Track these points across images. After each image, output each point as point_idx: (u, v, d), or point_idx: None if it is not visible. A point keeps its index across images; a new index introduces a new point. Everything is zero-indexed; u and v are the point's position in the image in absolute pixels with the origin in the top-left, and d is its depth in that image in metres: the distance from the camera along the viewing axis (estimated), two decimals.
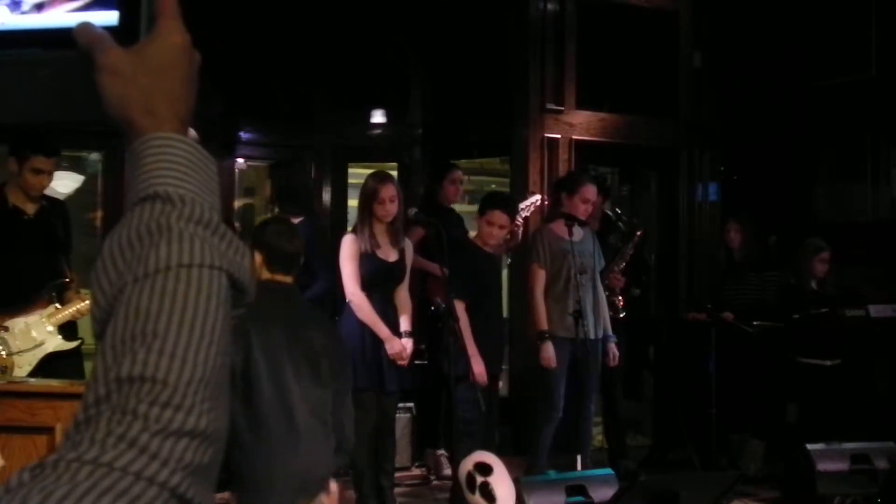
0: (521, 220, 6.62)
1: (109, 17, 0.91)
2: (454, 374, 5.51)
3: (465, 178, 7.93)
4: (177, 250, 0.80)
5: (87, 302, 4.90)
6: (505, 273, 8.29)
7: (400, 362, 5.53)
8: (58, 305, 5.05)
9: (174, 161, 0.85)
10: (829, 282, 7.09)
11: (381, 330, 5.48)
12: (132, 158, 0.86)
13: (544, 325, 6.12)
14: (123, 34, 0.89)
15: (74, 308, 5.05)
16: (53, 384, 4.02)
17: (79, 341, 5.14)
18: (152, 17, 0.89)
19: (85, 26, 0.88)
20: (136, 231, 0.81)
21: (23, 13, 0.94)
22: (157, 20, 0.89)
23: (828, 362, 6.93)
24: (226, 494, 3.97)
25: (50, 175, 5.24)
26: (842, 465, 5.85)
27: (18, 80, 0.93)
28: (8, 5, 0.95)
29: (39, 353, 4.95)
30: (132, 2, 0.90)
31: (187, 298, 0.78)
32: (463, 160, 8.01)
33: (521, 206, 6.70)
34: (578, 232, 6.23)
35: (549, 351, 6.06)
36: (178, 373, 0.75)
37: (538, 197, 7.06)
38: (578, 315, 5.99)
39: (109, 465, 0.71)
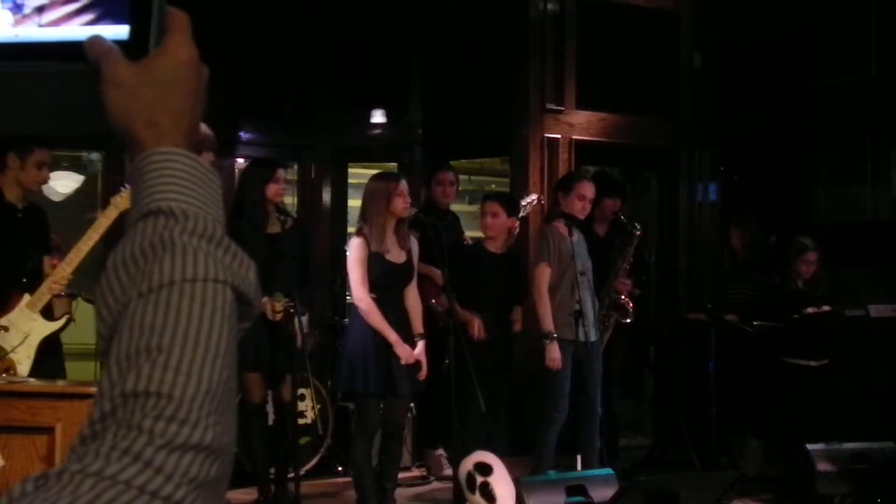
0: (517, 220, 6.63)
1: (120, 31, 0.91)
2: (455, 373, 5.52)
3: (466, 178, 7.94)
4: (181, 265, 0.80)
5: (55, 277, 4.93)
6: None
7: (410, 363, 5.52)
8: (28, 295, 5.03)
9: (176, 176, 0.85)
10: (819, 282, 7.03)
11: (390, 335, 5.46)
12: (134, 174, 0.87)
13: (551, 326, 6.06)
14: (134, 48, 0.89)
15: (46, 287, 5.01)
16: (53, 384, 4.01)
17: (65, 318, 5.11)
18: (163, 31, 0.90)
19: (95, 39, 0.89)
20: (139, 247, 0.81)
21: (24, 16, 0.95)
22: (166, 34, 0.90)
23: (813, 363, 6.90)
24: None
25: (49, 168, 5.27)
26: (842, 465, 5.86)
27: (25, 91, 0.94)
28: (10, 8, 0.95)
29: (33, 343, 4.95)
30: (143, 16, 0.90)
31: (192, 313, 0.78)
32: (463, 160, 8.02)
33: (521, 204, 6.70)
34: (576, 234, 6.22)
35: (555, 352, 6.02)
36: (183, 387, 0.75)
37: (535, 196, 7.05)
38: (579, 315, 5.98)
39: (113, 478, 0.71)
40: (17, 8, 0.95)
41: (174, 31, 0.90)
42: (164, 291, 0.79)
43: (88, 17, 0.93)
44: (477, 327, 6.01)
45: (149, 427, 0.73)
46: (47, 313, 5.07)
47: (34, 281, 5.12)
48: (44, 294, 5.01)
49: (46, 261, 5.32)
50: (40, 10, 0.94)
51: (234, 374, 0.80)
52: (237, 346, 0.82)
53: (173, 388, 0.75)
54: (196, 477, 0.74)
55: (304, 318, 5.85)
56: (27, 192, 5.26)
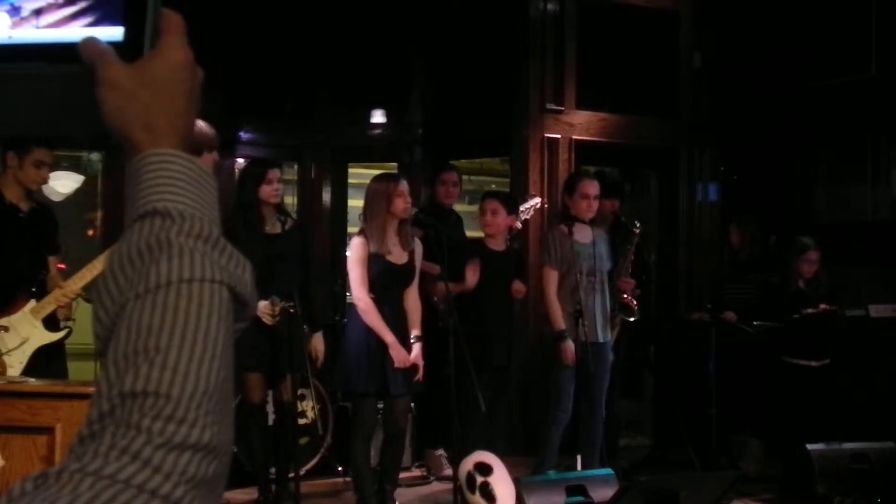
0: (519, 224, 6.63)
1: (114, 33, 0.91)
2: (455, 373, 5.52)
3: (466, 178, 7.93)
4: (177, 265, 0.80)
5: (65, 290, 4.92)
6: None
7: (406, 366, 5.51)
8: (35, 301, 5.01)
9: (172, 177, 0.86)
10: (820, 282, 7.02)
11: (387, 336, 5.46)
12: (131, 176, 0.87)
13: (562, 325, 6.09)
14: (128, 50, 0.89)
15: (53, 298, 5.00)
16: (53, 384, 4.01)
17: (65, 331, 5.10)
18: (157, 33, 0.90)
19: (89, 41, 0.89)
20: (136, 247, 0.82)
21: (22, 18, 0.95)
22: (161, 37, 0.90)
23: (814, 363, 6.90)
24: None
25: (49, 168, 5.21)
26: (842, 465, 5.86)
27: (23, 93, 0.94)
28: (8, 11, 0.95)
29: (28, 349, 4.93)
30: (137, 18, 0.90)
31: (189, 313, 0.78)
32: (463, 160, 8.02)
33: (521, 207, 6.70)
34: (585, 234, 6.21)
35: (570, 350, 6.03)
36: (181, 387, 0.76)
37: (538, 200, 7.04)
38: (579, 315, 5.98)
39: (112, 478, 0.71)
40: (14, 10, 0.95)
41: (169, 34, 0.90)
42: (161, 292, 0.79)
43: (87, 19, 0.93)
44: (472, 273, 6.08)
45: (147, 426, 0.74)
46: (49, 321, 5.05)
47: (41, 283, 5.11)
48: (49, 303, 4.99)
49: (52, 262, 5.29)
50: (38, 12, 0.94)
51: (230, 373, 0.81)
52: (236, 346, 0.82)
53: (171, 387, 0.75)
54: (194, 476, 0.74)
55: (319, 335, 5.89)
56: (28, 191, 5.23)
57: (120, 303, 0.80)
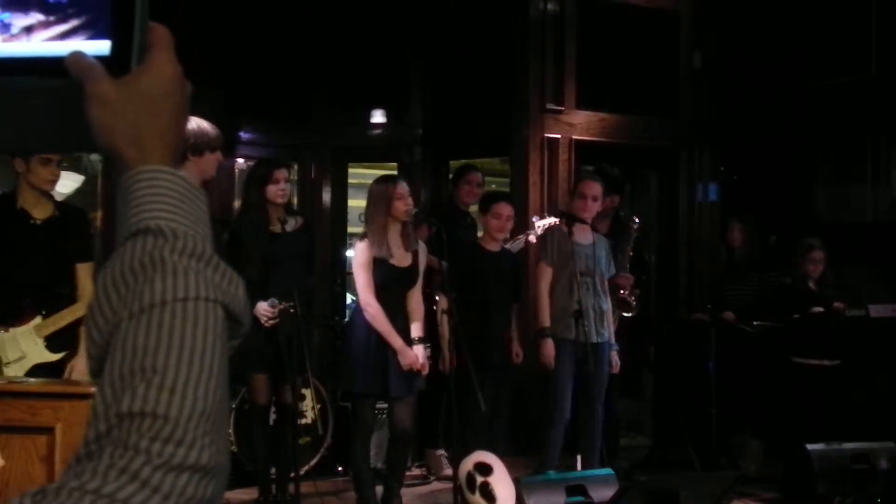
0: (534, 238, 6.63)
1: (102, 47, 0.90)
2: (455, 373, 5.52)
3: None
4: (171, 284, 0.80)
5: (77, 312, 4.81)
6: None
7: (415, 369, 5.50)
8: (42, 317, 4.86)
9: (164, 194, 0.85)
10: (827, 282, 7.04)
11: (395, 341, 5.44)
12: (122, 192, 0.86)
13: (546, 323, 6.08)
14: (116, 64, 0.88)
15: (61, 317, 4.83)
16: (53, 384, 4.00)
17: (64, 353, 4.90)
18: (145, 47, 0.89)
19: (77, 56, 0.88)
20: (129, 266, 0.81)
21: (12, 35, 0.94)
22: (149, 51, 0.89)
23: (826, 362, 6.91)
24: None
25: (58, 165, 5.00)
26: (842, 465, 5.87)
27: (11, 108, 0.93)
28: None
29: (26, 365, 4.77)
30: (125, 32, 0.89)
31: (185, 332, 0.78)
32: (463, 160, 8.02)
33: (538, 224, 6.67)
34: (586, 235, 6.20)
35: (549, 348, 6.03)
36: (179, 407, 0.75)
37: (555, 219, 7.01)
38: (579, 315, 5.97)
39: (111, 497, 0.71)
40: (4, 28, 0.94)
41: (158, 48, 0.89)
42: (155, 311, 0.78)
43: (78, 39, 0.92)
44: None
45: (145, 447, 0.73)
46: (55, 339, 4.88)
47: (56, 297, 4.95)
48: (56, 323, 4.83)
49: (81, 269, 5.04)
50: (29, 30, 0.93)
51: (226, 393, 0.80)
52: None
53: (169, 408, 0.75)
54: (193, 497, 0.74)
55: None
56: (48, 198, 4.99)
57: (114, 322, 0.79)
